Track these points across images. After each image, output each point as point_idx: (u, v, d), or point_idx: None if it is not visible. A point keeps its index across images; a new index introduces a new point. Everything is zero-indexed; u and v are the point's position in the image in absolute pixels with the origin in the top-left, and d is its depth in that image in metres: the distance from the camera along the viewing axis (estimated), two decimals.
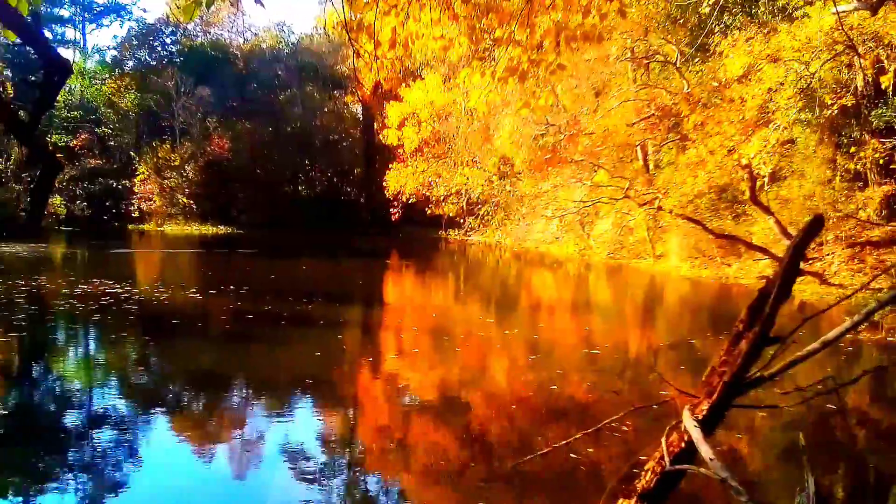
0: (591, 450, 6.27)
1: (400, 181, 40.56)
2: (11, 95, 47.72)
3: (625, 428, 6.77)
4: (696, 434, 2.59)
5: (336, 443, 6.73)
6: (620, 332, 13.59)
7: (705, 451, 2.49)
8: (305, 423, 7.30)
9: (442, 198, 40.27)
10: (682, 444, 2.72)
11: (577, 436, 3.50)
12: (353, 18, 5.96)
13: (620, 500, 2.83)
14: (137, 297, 15.41)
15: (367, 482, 5.86)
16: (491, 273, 26.17)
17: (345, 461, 6.26)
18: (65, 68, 3.27)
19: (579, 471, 5.87)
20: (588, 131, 24.85)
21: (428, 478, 5.94)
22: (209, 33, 64.37)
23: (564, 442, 3.63)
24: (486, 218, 39.99)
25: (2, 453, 6.25)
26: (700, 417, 2.73)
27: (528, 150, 29.20)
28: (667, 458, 2.70)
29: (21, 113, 3.44)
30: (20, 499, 5.19)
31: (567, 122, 25.76)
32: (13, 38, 3.26)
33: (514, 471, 5.77)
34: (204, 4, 4.26)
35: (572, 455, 6.04)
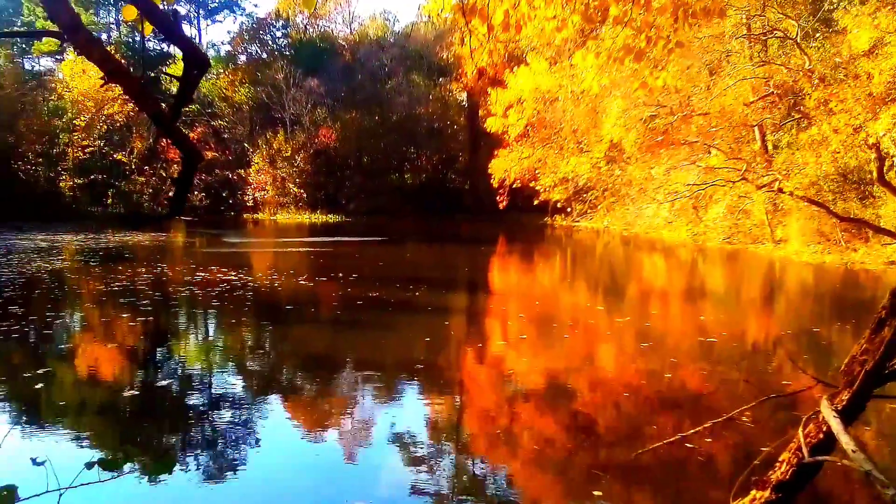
0: (708, 440, 6.00)
1: (504, 167, 40.35)
2: None
3: (744, 419, 6.45)
4: (836, 425, 2.38)
5: (444, 428, 6.70)
6: (738, 320, 13.02)
7: (846, 441, 2.29)
8: (413, 408, 7.32)
9: (548, 185, 39.82)
10: (821, 435, 2.52)
11: (707, 424, 3.32)
12: (467, 2, 5.89)
13: (753, 492, 2.66)
14: (252, 284, 15.91)
15: (474, 468, 5.80)
16: (599, 259, 25.70)
17: (452, 446, 6.23)
18: (203, 62, 3.38)
19: (692, 461, 5.63)
20: (702, 112, 23.99)
21: (535, 465, 5.83)
22: (317, 25, 65.77)
23: (693, 430, 3.46)
24: (593, 203, 39.34)
25: (131, 429, 6.53)
26: (840, 407, 2.52)
27: (638, 132, 28.45)
28: (805, 449, 2.50)
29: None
30: (147, 473, 5.38)
31: (679, 103, 24.91)
32: (149, 32, 3.37)
33: (625, 460, 5.60)
34: None
35: (688, 445, 5.80)
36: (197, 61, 3.34)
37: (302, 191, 56.48)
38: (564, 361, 9.43)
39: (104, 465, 2.19)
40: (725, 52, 25.32)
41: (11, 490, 2.00)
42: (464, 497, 5.08)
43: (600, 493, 4.95)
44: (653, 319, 12.58)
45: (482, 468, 5.79)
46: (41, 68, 67.50)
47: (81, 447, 5.93)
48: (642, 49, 6.03)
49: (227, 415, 6.93)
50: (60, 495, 2.08)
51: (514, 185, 40.07)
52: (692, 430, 3.52)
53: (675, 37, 5.97)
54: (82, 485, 2.16)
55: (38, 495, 2.03)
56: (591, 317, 12.77)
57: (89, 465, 2.17)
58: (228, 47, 65.87)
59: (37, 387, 7.67)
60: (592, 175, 36.58)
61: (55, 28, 2.89)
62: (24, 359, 9.20)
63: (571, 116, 35.97)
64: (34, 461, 2.22)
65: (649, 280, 19.52)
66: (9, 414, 6.85)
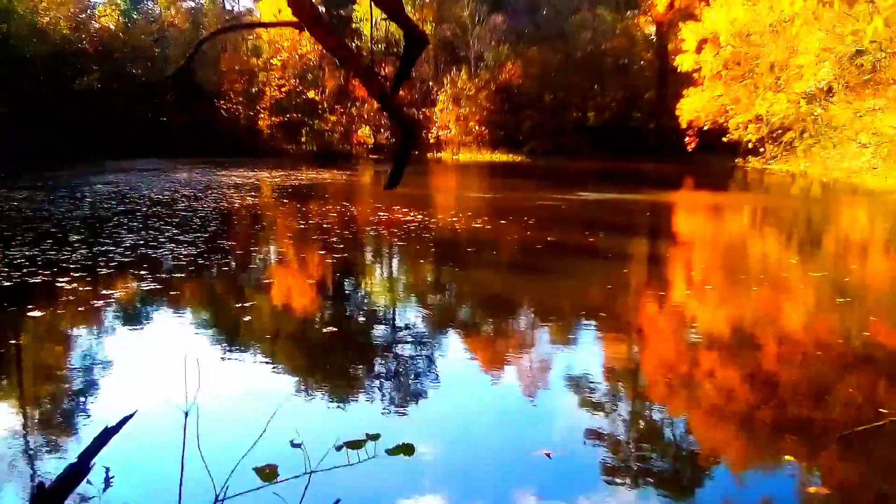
0: None
1: (695, 108, 38.57)
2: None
3: None
4: None
5: (622, 374, 6.68)
6: None
7: None
8: (591, 353, 7.34)
9: (740, 124, 37.72)
10: None
11: None
12: None
13: None
14: (435, 224, 16.39)
15: (651, 415, 5.78)
16: (795, 206, 24.11)
17: (630, 393, 6.22)
18: (422, 41, 3.58)
19: (884, 429, 5.28)
20: None
21: (717, 417, 5.71)
22: None
23: None
24: (789, 145, 36.86)
25: (323, 360, 7.04)
26: None
27: (843, 67, 26.21)
28: None
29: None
30: (334, 404, 5.80)
31: (890, 39, 22.61)
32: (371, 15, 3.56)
33: (813, 420, 5.37)
34: None
35: (881, 410, 5.45)
36: (417, 41, 3.54)
37: (484, 129, 56.87)
38: (751, 314, 9.07)
39: (351, 445, 2.41)
40: None
41: (273, 468, 2.27)
42: (641, 443, 5.08)
43: (790, 459, 4.77)
44: (852, 274, 11.76)
45: (659, 416, 5.77)
46: (241, 8, 71.61)
47: (281, 377, 6.47)
48: None
49: (408, 349, 7.30)
50: (309, 477, 2.35)
51: (704, 127, 38.30)
52: None
53: None
54: (334, 468, 2.40)
55: (295, 477, 2.36)
56: (784, 269, 12.11)
57: (338, 447, 2.40)
58: None
59: (245, 318, 8.41)
60: (790, 114, 34.20)
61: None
62: (234, 291, 10.08)
63: (769, 51, 33.66)
64: (292, 443, 2.51)
65: (850, 231, 18.15)
66: (223, 343, 7.56)
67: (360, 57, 3.45)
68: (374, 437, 2.42)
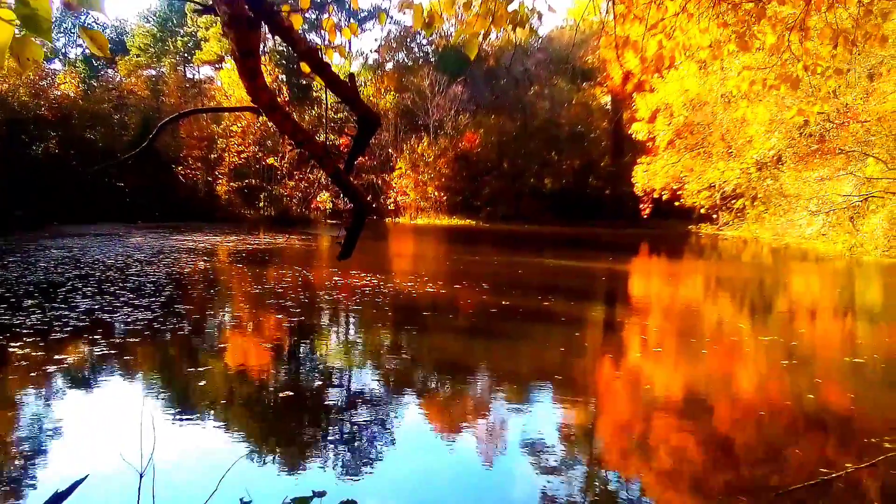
0: (848, 465, 5.72)
1: (649, 175, 39.44)
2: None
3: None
4: None
5: (577, 437, 6.74)
6: (893, 340, 12.22)
7: None
8: (547, 416, 7.38)
9: (694, 191, 38.66)
10: None
11: (879, 459, 3.22)
12: (620, 35, 5.99)
13: None
14: (391, 289, 16.42)
15: (607, 478, 5.82)
16: (746, 271, 24.68)
17: (585, 456, 6.26)
18: (375, 123, 3.80)
19: (837, 489, 5.39)
20: (861, 119, 22.59)
21: (670, 479, 5.78)
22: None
23: (856, 467, 3.35)
24: (741, 212, 37.85)
25: (277, 423, 6.97)
26: None
27: (791, 137, 27.17)
28: None
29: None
30: (287, 467, 5.76)
31: (837, 110, 23.57)
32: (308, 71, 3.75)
33: (766, 482, 5.46)
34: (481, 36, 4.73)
35: (822, 469, 5.57)
36: (370, 123, 3.72)
37: (442, 194, 57.49)
38: (702, 377, 9.24)
39: (298, 502, 2.41)
40: (889, 56, 23.69)
41: None
42: None
43: None
44: (800, 338, 12.02)
45: (614, 479, 5.80)
46: (201, 76, 72.16)
47: (234, 440, 6.40)
48: (799, 77, 5.87)
49: (362, 412, 7.28)
50: None
51: (660, 196, 39.11)
52: (854, 467, 3.41)
53: (834, 64, 5.81)
54: None
55: None
56: (734, 333, 12.36)
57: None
58: (376, 55, 67.84)
59: (200, 383, 8.32)
60: (741, 182, 35.20)
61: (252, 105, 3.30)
62: (188, 355, 9.97)
63: (720, 121, 34.78)
64: (242, 501, 2.51)
65: (799, 295, 18.60)
66: (177, 407, 7.48)
67: (315, 138, 3.63)
68: (321, 494, 2.45)
